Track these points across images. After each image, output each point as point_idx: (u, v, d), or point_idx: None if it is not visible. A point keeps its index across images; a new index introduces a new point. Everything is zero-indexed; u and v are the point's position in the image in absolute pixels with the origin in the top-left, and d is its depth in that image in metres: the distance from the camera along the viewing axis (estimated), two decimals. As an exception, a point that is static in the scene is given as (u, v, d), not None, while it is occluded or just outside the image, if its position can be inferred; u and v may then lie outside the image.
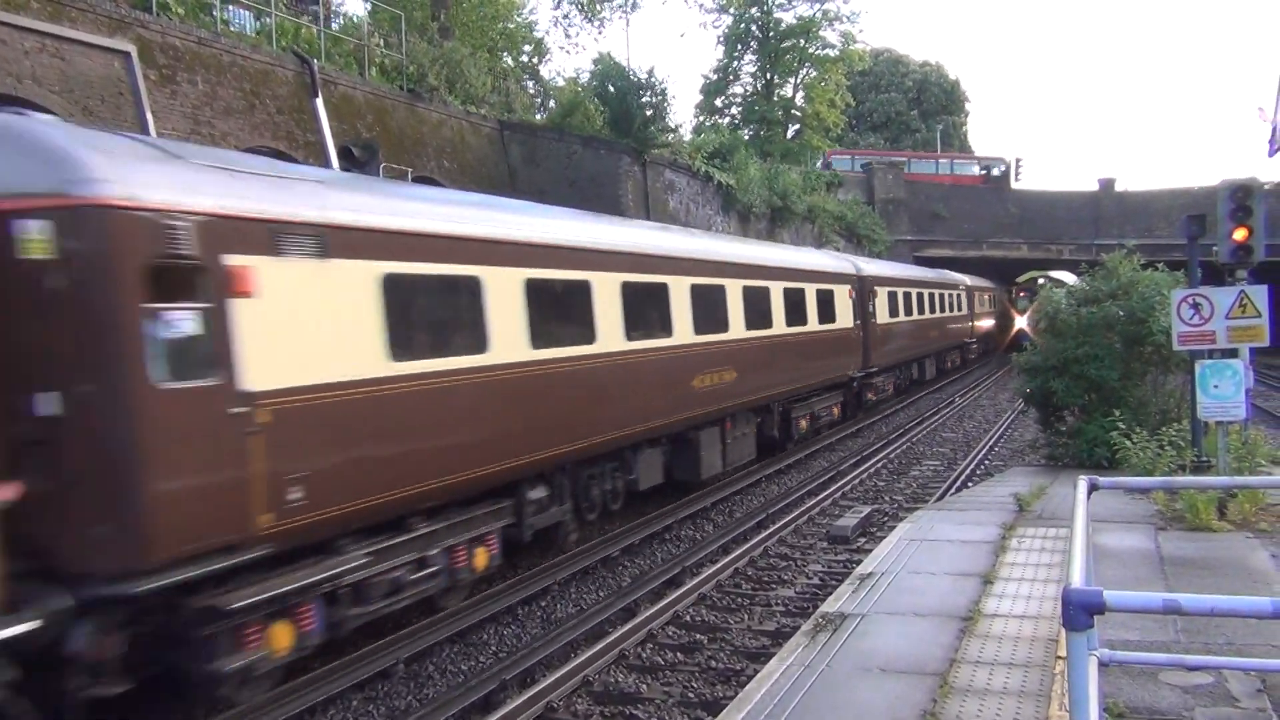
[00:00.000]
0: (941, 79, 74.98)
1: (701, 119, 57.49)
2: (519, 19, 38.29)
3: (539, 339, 10.51)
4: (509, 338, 10.03)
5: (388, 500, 8.34)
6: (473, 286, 9.60)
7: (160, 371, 6.42)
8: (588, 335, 11.66)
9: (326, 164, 13.75)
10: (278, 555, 7.28)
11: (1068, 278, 40.64)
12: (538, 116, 30.15)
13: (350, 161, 13.60)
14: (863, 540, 12.94)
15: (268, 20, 19.48)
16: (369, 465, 8.07)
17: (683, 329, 14.06)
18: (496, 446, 9.83)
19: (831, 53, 55.63)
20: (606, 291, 12.07)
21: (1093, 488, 6.00)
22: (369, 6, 25.79)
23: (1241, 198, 11.48)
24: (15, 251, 6.13)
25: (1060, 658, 6.86)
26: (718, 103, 60.18)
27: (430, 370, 8.87)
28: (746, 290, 16.51)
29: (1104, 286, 16.32)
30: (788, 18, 54.89)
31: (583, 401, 11.50)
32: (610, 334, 12.08)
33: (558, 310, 11.20)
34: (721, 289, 15.61)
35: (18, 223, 6.16)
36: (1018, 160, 59.78)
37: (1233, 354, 11.38)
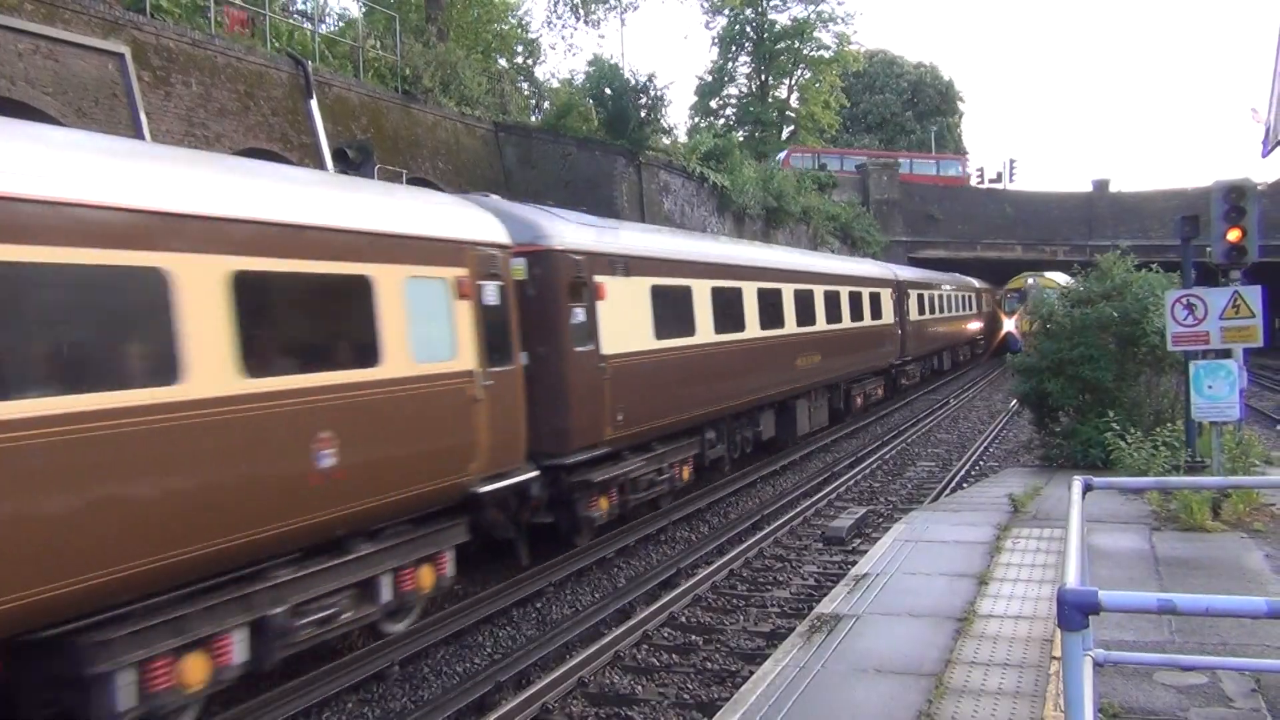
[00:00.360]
0: (936, 80, 75.01)
1: (696, 120, 57.54)
2: (513, 20, 38.23)
3: (718, 328, 15.47)
4: (703, 326, 15.06)
5: (647, 428, 13.21)
6: (686, 293, 14.69)
7: (574, 342, 11.52)
8: (740, 325, 16.55)
9: (321, 165, 13.73)
10: (601, 457, 12.00)
11: (1060, 278, 40.73)
12: (533, 118, 30.12)
13: (345, 163, 13.56)
14: (858, 541, 12.95)
15: (261, 21, 19.42)
16: (640, 405, 12.86)
17: (790, 322, 19.01)
18: (694, 401, 14.61)
19: (826, 54, 55.65)
20: (750, 295, 17.06)
21: (1087, 488, 6.01)
22: (364, 8, 25.68)
23: (1235, 198, 11.50)
24: (511, 275, 10.59)
25: (1055, 658, 6.88)
26: (713, 104, 60.24)
27: (670, 346, 13.85)
28: (825, 293, 21.54)
29: (1097, 288, 16.36)
30: (782, 19, 54.95)
31: (736, 373, 16.19)
32: (752, 325, 17.05)
33: (724, 308, 15.88)
34: (811, 292, 20.57)
35: (513, 260, 10.68)
36: (1011, 161, 59.91)
37: (1226, 354, 11.40)
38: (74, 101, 13.85)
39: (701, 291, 15.03)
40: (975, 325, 44.78)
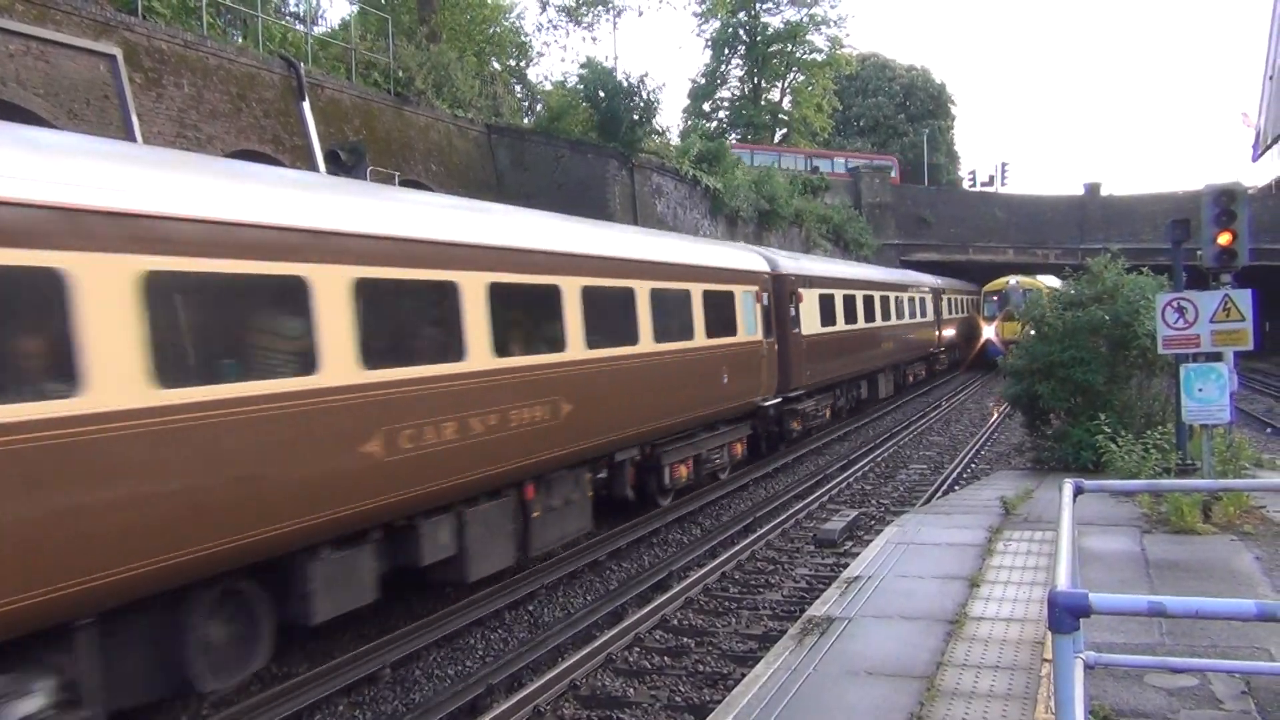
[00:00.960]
0: (928, 83, 75.22)
1: (690, 123, 57.54)
2: (505, 22, 38.15)
3: (845, 321, 23.21)
4: (840, 319, 22.73)
5: (817, 382, 20.64)
6: (832, 298, 22.17)
7: (791, 327, 19.11)
8: (854, 319, 24.24)
9: (313, 167, 13.71)
10: (799, 396, 19.49)
11: (1046, 280, 40.52)
12: (525, 120, 30.08)
13: (337, 165, 13.54)
14: (850, 544, 12.95)
15: (253, 22, 19.38)
16: (816, 366, 20.39)
17: (879, 318, 27.12)
18: (835, 369, 22.37)
19: (818, 57, 55.76)
20: (859, 298, 24.88)
21: (1078, 491, 6.01)
22: (356, 8, 25.65)
23: (1226, 202, 11.54)
24: (771, 289, 18.43)
25: (1046, 660, 6.89)
26: (705, 106, 60.29)
27: (827, 331, 21.51)
28: (895, 298, 29.70)
29: (1088, 290, 16.39)
30: (775, 22, 55.06)
31: (855, 351, 24.11)
32: (861, 319, 24.88)
33: (848, 308, 23.64)
34: (889, 297, 28.80)
35: (763, 280, 18.01)
36: (1003, 165, 59.91)
37: (1217, 357, 11.44)
38: (65, 103, 13.81)
39: (838, 297, 22.84)
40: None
